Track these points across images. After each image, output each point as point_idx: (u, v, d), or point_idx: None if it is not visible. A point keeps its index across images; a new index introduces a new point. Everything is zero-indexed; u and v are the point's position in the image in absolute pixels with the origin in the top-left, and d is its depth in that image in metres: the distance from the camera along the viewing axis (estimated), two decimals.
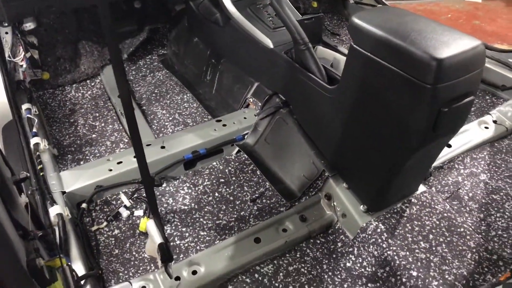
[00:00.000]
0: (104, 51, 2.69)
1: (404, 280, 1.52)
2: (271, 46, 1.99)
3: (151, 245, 1.25)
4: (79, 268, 1.45)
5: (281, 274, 1.61)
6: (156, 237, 1.19)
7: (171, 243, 1.68)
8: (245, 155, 2.06)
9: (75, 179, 1.80)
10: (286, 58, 1.90)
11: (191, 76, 2.65)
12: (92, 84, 2.62)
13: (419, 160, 1.54)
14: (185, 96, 2.52)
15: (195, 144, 1.99)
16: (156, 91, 2.59)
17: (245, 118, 2.15)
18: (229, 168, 2.03)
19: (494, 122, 2.26)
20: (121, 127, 2.32)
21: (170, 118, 2.37)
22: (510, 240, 1.72)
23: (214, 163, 2.04)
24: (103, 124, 2.35)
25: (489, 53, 2.55)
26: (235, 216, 1.82)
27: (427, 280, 1.49)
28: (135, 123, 1.12)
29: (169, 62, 2.84)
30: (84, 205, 1.75)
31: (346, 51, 1.60)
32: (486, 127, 2.24)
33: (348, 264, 1.65)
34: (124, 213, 1.78)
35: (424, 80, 1.24)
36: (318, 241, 1.74)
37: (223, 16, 2.31)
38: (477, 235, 1.68)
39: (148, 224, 1.24)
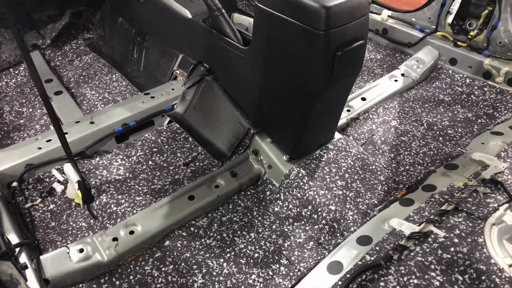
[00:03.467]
0: (25, 38, 2.64)
1: (324, 214, 1.69)
2: (189, 16, 2.07)
3: (71, 187, 1.31)
4: (13, 239, 1.48)
5: (215, 224, 1.73)
6: (73, 176, 1.24)
7: (107, 210, 1.75)
8: (176, 125, 2.14)
9: (2, 160, 1.80)
10: (204, 26, 1.99)
11: (118, 56, 2.67)
12: (16, 72, 2.57)
13: (327, 105, 1.71)
14: (114, 76, 2.55)
15: (124, 117, 2.05)
16: (84, 73, 2.59)
17: (173, 89, 2.22)
18: (161, 138, 2.11)
19: (402, 75, 2.51)
20: None
21: (100, 98, 2.39)
22: (416, 172, 1.95)
23: (146, 135, 2.11)
24: (31, 110, 2.33)
25: (395, 14, 2.80)
26: (170, 180, 1.91)
27: (343, 212, 1.67)
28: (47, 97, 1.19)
29: (96, 45, 2.84)
30: (14, 184, 1.76)
31: None
32: (396, 80, 2.48)
33: (276, 209, 1.80)
34: (58, 188, 1.81)
35: (317, 27, 1.39)
36: (249, 193, 1.88)
37: None
38: (387, 171, 1.89)
39: (65, 167, 1.29)
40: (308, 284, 1.29)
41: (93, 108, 2.33)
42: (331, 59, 1.45)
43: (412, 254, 1.26)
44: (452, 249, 1.25)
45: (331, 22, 1.39)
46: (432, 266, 1.22)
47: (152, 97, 2.16)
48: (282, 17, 1.49)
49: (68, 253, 1.51)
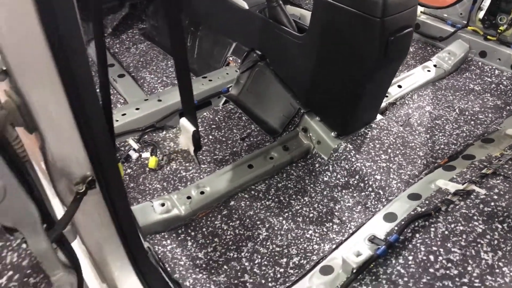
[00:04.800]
0: (89, 28, 2.90)
1: (370, 183, 1.91)
2: (247, 7, 2.31)
3: (184, 137, 1.54)
4: None
5: (272, 189, 1.97)
6: (189, 127, 1.46)
7: (178, 175, 1.99)
8: (231, 105, 2.38)
9: None
10: (261, 16, 2.23)
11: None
12: None
13: (375, 87, 1.92)
14: (169, 62, 2.80)
15: None
16: (141, 59, 2.84)
17: (227, 74, 2.47)
18: (218, 116, 2.35)
19: (435, 66, 2.71)
20: (115, 91, 2.57)
21: (159, 81, 2.64)
22: (450, 150, 2.16)
23: (205, 114, 2.35)
24: (97, 90, 2.58)
25: (427, 10, 3.01)
26: (229, 152, 2.15)
27: (388, 181, 1.89)
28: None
29: (150, 35, 3.09)
30: None
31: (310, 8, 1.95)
32: (429, 70, 2.68)
33: (325, 179, 2.02)
34: (134, 155, 2.06)
35: (374, 14, 1.61)
36: (300, 164, 2.10)
37: None
38: (424, 147, 2.11)
39: (181, 120, 1.52)
40: (367, 230, 1.50)
41: (153, 90, 2.58)
42: (385, 43, 1.67)
43: (457, 207, 1.47)
44: (492, 203, 1.45)
45: (387, 10, 1.61)
46: (475, 217, 1.43)
47: (210, 80, 2.41)
48: (341, 6, 1.71)
49: (152, 206, 1.75)
